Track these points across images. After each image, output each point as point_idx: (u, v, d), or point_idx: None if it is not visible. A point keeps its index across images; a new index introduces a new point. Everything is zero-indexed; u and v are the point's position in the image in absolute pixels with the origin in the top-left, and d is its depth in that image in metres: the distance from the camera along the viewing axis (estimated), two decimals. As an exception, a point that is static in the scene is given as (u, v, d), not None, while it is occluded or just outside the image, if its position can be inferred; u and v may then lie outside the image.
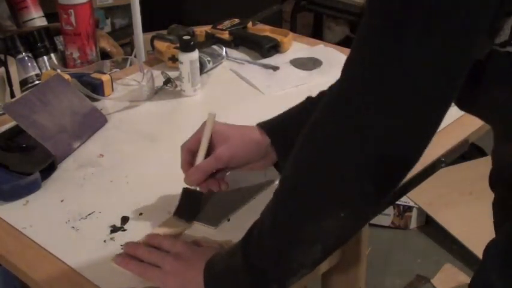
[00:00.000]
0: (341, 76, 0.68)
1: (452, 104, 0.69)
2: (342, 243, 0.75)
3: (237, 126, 0.97)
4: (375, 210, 0.71)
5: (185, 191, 0.96)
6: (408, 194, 2.25)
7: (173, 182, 1.04)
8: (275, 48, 1.49)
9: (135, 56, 1.47)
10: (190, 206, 0.96)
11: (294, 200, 0.72)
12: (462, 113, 1.21)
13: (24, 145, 1.10)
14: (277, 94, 1.32)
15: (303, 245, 0.72)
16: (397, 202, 2.21)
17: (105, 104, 1.29)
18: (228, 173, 0.98)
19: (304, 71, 1.40)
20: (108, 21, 2.34)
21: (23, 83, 1.55)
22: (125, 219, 0.96)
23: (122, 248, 0.89)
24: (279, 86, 1.35)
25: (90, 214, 0.97)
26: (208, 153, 0.94)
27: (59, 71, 1.35)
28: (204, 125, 0.96)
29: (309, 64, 1.43)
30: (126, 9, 2.12)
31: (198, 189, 0.95)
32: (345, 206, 0.69)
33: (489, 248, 0.75)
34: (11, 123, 1.17)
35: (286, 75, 1.39)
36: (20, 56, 1.57)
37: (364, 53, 0.65)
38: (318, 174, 0.69)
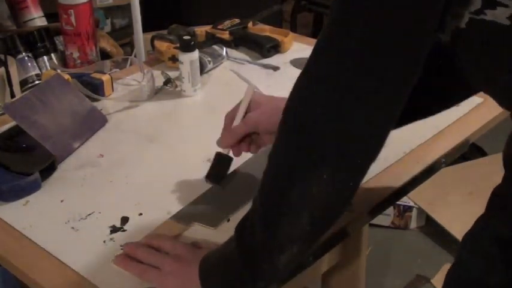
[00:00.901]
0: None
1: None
2: (328, 217, 0.74)
3: (273, 96, 1.04)
4: (355, 175, 0.72)
5: (217, 155, 1.02)
6: (408, 194, 2.25)
7: (173, 182, 1.05)
8: (275, 48, 1.49)
9: (135, 56, 1.47)
10: (219, 170, 1.02)
11: (277, 166, 0.74)
12: (462, 113, 1.22)
13: (24, 145, 1.10)
14: (277, 94, 1.32)
15: (290, 214, 0.72)
16: (397, 202, 2.21)
17: (105, 104, 1.29)
18: (262, 149, 1.02)
19: None
20: (108, 21, 2.34)
21: (23, 83, 1.54)
22: (124, 220, 0.96)
23: (121, 249, 0.89)
24: (279, 86, 1.34)
25: (90, 214, 0.97)
26: None
27: (59, 71, 1.35)
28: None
29: None
30: (126, 9, 2.12)
31: (230, 154, 1.01)
32: (324, 166, 0.69)
33: (465, 240, 0.79)
34: (11, 123, 1.17)
35: (287, 76, 1.39)
36: (20, 56, 1.56)
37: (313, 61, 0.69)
38: (294, 137, 0.71)
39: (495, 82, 0.72)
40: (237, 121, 1.00)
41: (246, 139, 1.01)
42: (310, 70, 0.71)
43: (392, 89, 0.68)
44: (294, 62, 1.44)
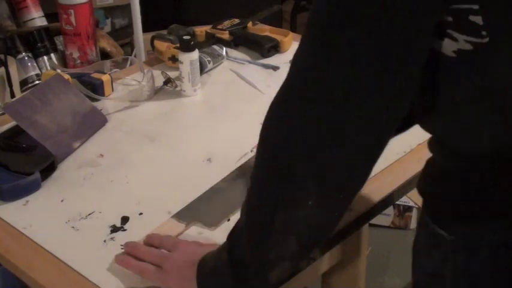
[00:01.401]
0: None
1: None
2: (317, 236, 0.74)
3: None
4: (341, 204, 0.72)
5: None
6: (408, 194, 2.25)
7: (173, 182, 1.05)
8: (275, 48, 1.49)
9: (135, 56, 1.47)
10: None
11: (261, 191, 0.73)
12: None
13: (24, 145, 1.10)
14: (266, 94, 1.32)
15: (276, 236, 0.72)
16: (397, 202, 2.21)
17: (105, 104, 1.29)
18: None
19: None
20: (108, 21, 2.34)
21: (23, 83, 1.55)
22: (125, 219, 0.96)
23: (122, 248, 0.89)
24: (278, 86, 1.34)
25: (90, 214, 0.97)
26: None
27: (59, 71, 1.35)
28: None
29: None
30: (126, 9, 2.12)
31: None
32: (309, 193, 0.69)
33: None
34: (11, 123, 1.17)
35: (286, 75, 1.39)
36: (20, 56, 1.57)
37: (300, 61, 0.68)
38: (277, 164, 0.69)
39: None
40: None
41: None
42: (290, 85, 0.70)
43: (384, 111, 0.65)
44: None
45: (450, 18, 0.62)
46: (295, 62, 0.68)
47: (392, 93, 0.64)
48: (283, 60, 1.45)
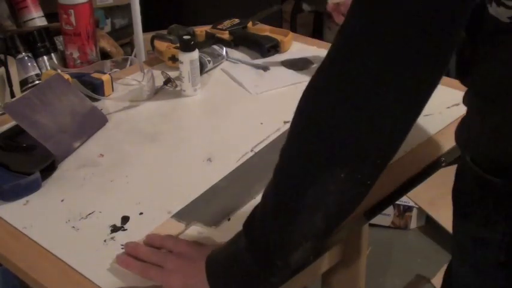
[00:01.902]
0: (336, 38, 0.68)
1: (450, 105, 0.71)
2: (343, 214, 0.74)
3: None
4: (374, 173, 0.71)
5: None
6: (408, 194, 2.25)
7: (173, 182, 1.05)
8: (275, 48, 1.49)
9: (135, 56, 1.47)
10: None
11: (291, 167, 0.72)
12: (461, 112, 1.22)
13: (24, 145, 1.10)
14: (263, 93, 1.32)
15: (305, 213, 0.71)
16: (397, 202, 2.21)
17: (105, 104, 1.29)
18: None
19: (294, 71, 1.41)
20: (108, 21, 2.34)
21: (23, 83, 1.55)
22: (125, 219, 0.96)
23: (122, 248, 0.89)
24: (267, 86, 1.35)
25: (90, 214, 0.97)
26: None
27: (59, 71, 1.35)
28: None
29: (299, 64, 1.43)
30: (126, 9, 2.12)
31: None
32: (344, 165, 0.68)
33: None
34: (11, 123, 1.17)
35: (276, 76, 1.39)
36: (20, 56, 1.57)
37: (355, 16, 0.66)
38: (314, 135, 0.69)
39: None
40: None
41: None
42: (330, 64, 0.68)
43: (422, 72, 0.65)
44: (285, 62, 1.44)
45: None
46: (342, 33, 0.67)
47: (439, 43, 0.64)
48: (277, 61, 1.45)
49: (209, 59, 1.41)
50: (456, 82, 0.85)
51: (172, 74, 1.35)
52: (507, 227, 0.75)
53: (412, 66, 0.64)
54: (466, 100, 0.79)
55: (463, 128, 0.81)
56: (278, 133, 1.16)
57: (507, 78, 0.71)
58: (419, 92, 0.67)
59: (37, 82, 1.54)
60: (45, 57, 1.60)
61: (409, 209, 2.30)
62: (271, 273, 0.76)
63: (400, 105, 0.66)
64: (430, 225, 2.29)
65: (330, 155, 0.69)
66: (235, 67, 1.44)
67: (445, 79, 0.87)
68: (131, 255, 0.87)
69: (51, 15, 1.78)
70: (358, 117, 0.66)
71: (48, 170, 1.06)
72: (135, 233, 0.93)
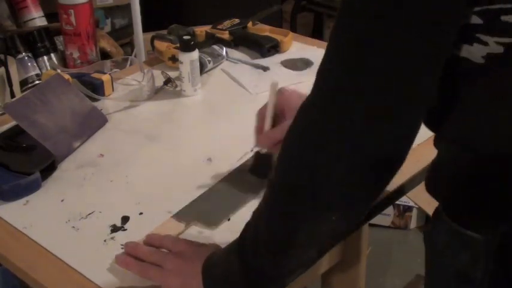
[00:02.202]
0: (315, 80, 0.66)
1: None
2: (336, 243, 0.76)
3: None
4: (365, 210, 0.72)
5: (257, 154, 1.04)
6: (408, 194, 2.25)
7: (173, 182, 1.05)
8: (275, 48, 1.49)
9: (135, 56, 1.47)
10: (262, 165, 1.02)
11: (283, 208, 0.71)
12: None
13: (24, 145, 1.10)
14: (262, 93, 1.32)
15: (299, 250, 0.72)
16: (397, 202, 2.21)
17: (105, 104, 1.29)
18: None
19: (293, 71, 1.41)
20: (108, 21, 2.34)
21: (23, 83, 1.55)
22: (125, 219, 0.96)
23: (122, 248, 0.89)
24: (267, 86, 1.34)
25: (90, 214, 0.97)
26: (279, 120, 0.98)
27: (59, 71, 1.35)
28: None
29: (298, 64, 1.43)
30: (126, 9, 2.12)
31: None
32: (335, 209, 0.68)
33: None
34: (11, 123, 1.17)
35: (275, 75, 1.39)
36: (20, 56, 1.57)
37: (339, 50, 0.64)
38: (303, 180, 0.68)
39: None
40: (267, 122, 0.98)
41: None
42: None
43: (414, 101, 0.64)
44: (284, 63, 1.44)
45: (480, 21, 0.61)
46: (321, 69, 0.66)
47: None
48: (277, 61, 1.45)
49: (209, 59, 1.41)
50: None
51: (172, 74, 1.35)
52: (483, 281, 0.74)
53: (390, 117, 0.63)
54: (436, 144, 0.78)
55: (434, 175, 0.80)
56: (278, 133, 1.16)
57: (476, 122, 0.69)
58: (403, 136, 0.66)
59: (37, 82, 1.54)
60: (45, 57, 1.60)
61: (409, 209, 2.30)
62: None
63: (385, 152, 0.65)
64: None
65: (320, 201, 0.68)
66: (235, 67, 1.44)
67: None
68: (131, 255, 0.87)
69: (51, 15, 1.78)
70: (344, 167, 0.65)
71: (48, 170, 1.06)
72: (135, 233, 0.93)
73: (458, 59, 0.64)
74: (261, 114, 1.00)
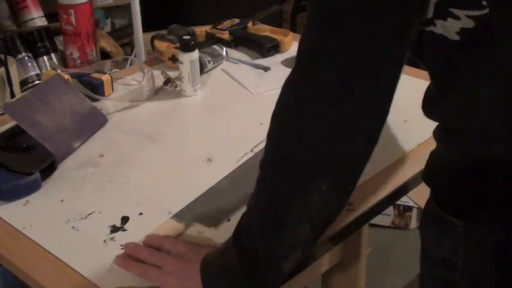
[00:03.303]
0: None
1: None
2: (328, 221, 0.75)
3: None
4: (354, 179, 0.72)
5: None
6: (408, 194, 2.24)
7: (173, 182, 1.05)
8: (275, 48, 1.49)
9: (135, 56, 1.47)
10: None
11: (273, 181, 0.73)
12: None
13: (24, 145, 1.10)
14: (269, 94, 1.32)
15: (291, 225, 0.72)
16: (397, 202, 2.21)
17: (105, 104, 1.29)
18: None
19: None
20: (108, 21, 2.34)
21: (23, 83, 1.55)
22: (125, 219, 0.96)
23: (122, 248, 0.89)
24: (268, 86, 1.35)
25: (90, 214, 0.97)
26: None
27: (59, 71, 1.35)
28: None
29: None
30: (126, 9, 2.12)
31: None
32: (323, 177, 0.69)
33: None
34: (11, 123, 1.17)
35: (277, 75, 1.39)
36: (20, 56, 1.57)
37: (313, 18, 0.67)
38: (288, 151, 0.70)
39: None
40: None
41: None
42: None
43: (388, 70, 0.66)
44: (285, 62, 1.44)
45: None
46: (300, 45, 0.69)
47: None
48: (278, 61, 1.45)
49: (209, 59, 1.41)
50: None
51: (172, 74, 1.35)
52: (465, 269, 0.76)
53: (367, 76, 0.66)
54: (434, 133, 0.80)
55: (429, 163, 0.82)
56: (278, 133, 1.16)
57: (460, 104, 0.71)
58: (380, 97, 0.67)
59: (37, 82, 1.54)
60: (45, 57, 1.60)
61: (409, 209, 2.30)
62: (264, 282, 0.77)
63: (366, 112, 0.67)
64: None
65: (310, 169, 0.69)
66: (235, 67, 1.44)
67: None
68: (130, 256, 0.87)
69: (51, 15, 1.78)
70: (328, 129, 0.67)
71: (48, 170, 1.06)
72: (135, 233, 0.93)
73: (435, 36, 0.66)
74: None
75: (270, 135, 0.73)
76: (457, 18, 0.64)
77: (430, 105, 0.76)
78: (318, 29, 0.66)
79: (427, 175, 0.82)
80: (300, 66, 0.69)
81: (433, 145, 0.81)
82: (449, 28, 0.65)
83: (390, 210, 2.29)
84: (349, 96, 0.66)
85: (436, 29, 0.67)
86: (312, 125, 0.68)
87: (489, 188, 0.73)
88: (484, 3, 0.62)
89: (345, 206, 0.75)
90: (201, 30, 1.54)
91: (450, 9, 0.64)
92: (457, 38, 0.65)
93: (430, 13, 0.66)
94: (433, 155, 0.81)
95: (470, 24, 0.64)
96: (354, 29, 0.63)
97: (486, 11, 0.62)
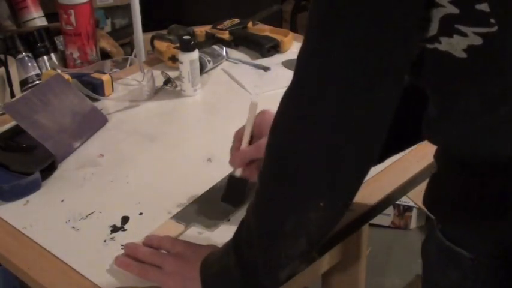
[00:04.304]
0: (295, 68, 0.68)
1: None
2: (326, 233, 0.74)
3: None
4: (352, 195, 0.72)
5: (230, 178, 0.97)
6: (408, 194, 2.25)
7: (173, 182, 1.05)
8: (275, 48, 1.49)
9: (135, 56, 1.47)
10: (236, 192, 0.97)
11: (271, 197, 0.73)
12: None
13: (24, 145, 1.10)
14: (269, 94, 1.32)
15: (288, 239, 0.72)
16: (397, 202, 2.21)
17: (105, 104, 1.29)
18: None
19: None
20: (108, 21, 2.34)
21: (23, 83, 1.55)
22: (125, 219, 0.96)
23: (122, 248, 0.89)
24: (267, 87, 1.35)
25: (90, 214, 0.97)
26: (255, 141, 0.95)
27: (59, 71, 1.35)
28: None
29: None
30: (126, 9, 2.12)
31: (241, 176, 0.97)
32: (321, 196, 0.69)
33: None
34: (11, 123, 1.17)
35: (276, 76, 1.39)
36: (20, 56, 1.57)
37: (310, 45, 0.66)
38: (287, 169, 0.69)
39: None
40: (244, 141, 0.95)
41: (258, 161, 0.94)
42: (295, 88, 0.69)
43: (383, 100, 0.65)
44: (286, 63, 1.44)
45: (457, 11, 0.60)
46: (298, 58, 0.68)
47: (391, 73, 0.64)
48: (278, 61, 1.45)
49: (209, 59, 1.41)
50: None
51: (172, 74, 1.35)
52: None
53: (363, 89, 0.64)
54: (435, 156, 0.77)
55: (431, 188, 0.79)
56: (278, 133, 1.16)
57: (465, 128, 0.68)
58: (379, 110, 0.66)
59: (37, 82, 1.54)
60: (45, 57, 1.60)
61: (409, 209, 2.30)
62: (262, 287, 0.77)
63: (361, 128, 0.66)
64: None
65: (306, 188, 0.69)
66: (235, 67, 1.44)
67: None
68: (130, 256, 0.87)
69: (51, 15, 1.78)
70: (324, 147, 0.67)
71: (48, 170, 1.06)
72: (135, 233, 0.93)
73: (440, 54, 0.63)
74: (238, 134, 0.97)
75: (269, 147, 0.72)
76: (464, 35, 0.61)
77: (430, 130, 0.72)
78: (315, 41, 0.65)
79: (430, 200, 0.78)
80: (298, 77, 0.68)
81: (431, 145, 0.80)
82: (455, 45, 0.62)
83: (390, 210, 2.29)
84: (347, 109, 0.65)
85: (440, 47, 0.63)
86: (310, 142, 0.67)
87: (500, 218, 0.69)
88: (493, 20, 0.59)
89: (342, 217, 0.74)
90: (201, 30, 1.54)
91: (456, 25, 0.61)
92: (464, 55, 0.62)
93: (434, 30, 0.62)
94: (435, 179, 0.78)
95: (478, 41, 0.61)
96: (356, 38, 0.62)
97: (495, 28, 0.59)
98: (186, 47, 1.30)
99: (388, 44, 0.62)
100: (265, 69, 1.42)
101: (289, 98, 0.69)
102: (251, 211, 0.76)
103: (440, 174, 0.76)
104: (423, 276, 0.83)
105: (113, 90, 1.33)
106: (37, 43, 1.59)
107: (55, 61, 1.60)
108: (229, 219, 0.95)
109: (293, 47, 1.52)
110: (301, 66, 0.67)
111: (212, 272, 0.79)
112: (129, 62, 1.51)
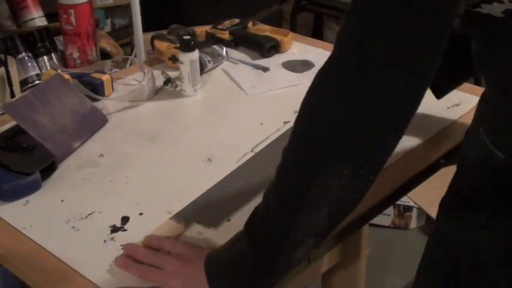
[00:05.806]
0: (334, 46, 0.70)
1: (450, 106, 0.73)
2: (345, 210, 0.75)
3: None
4: (376, 169, 0.73)
5: None
6: (408, 194, 2.25)
7: (173, 182, 1.05)
8: (275, 48, 1.49)
9: (135, 56, 1.47)
10: None
11: (295, 162, 0.73)
12: (462, 112, 1.22)
13: (24, 145, 1.10)
14: (270, 94, 1.32)
15: (308, 208, 0.72)
16: (397, 202, 2.21)
17: (105, 104, 1.29)
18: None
19: (293, 73, 1.40)
20: (108, 21, 2.34)
21: (23, 83, 1.55)
22: (125, 219, 0.96)
23: (122, 248, 0.89)
24: (265, 87, 1.35)
25: (90, 214, 0.97)
26: None
27: (59, 71, 1.35)
28: None
29: (299, 66, 1.42)
30: (126, 9, 2.12)
31: None
32: (348, 160, 0.70)
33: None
34: (11, 123, 1.17)
35: (275, 77, 1.39)
36: (20, 56, 1.57)
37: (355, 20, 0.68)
38: (317, 129, 0.70)
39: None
40: None
41: None
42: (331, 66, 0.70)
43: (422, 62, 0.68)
44: (286, 64, 1.44)
45: None
46: (340, 38, 0.70)
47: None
48: (278, 62, 1.45)
49: (209, 59, 1.41)
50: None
51: (172, 74, 1.35)
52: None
53: (404, 66, 0.67)
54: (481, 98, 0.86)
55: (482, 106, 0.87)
56: (278, 133, 1.16)
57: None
58: (415, 88, 0.69)
59: (37, 82, 1.54)
60: (45, 57, 1.60)
61: (409, 209, 2.30)
62: (274, 272, 0.77)
63: (400, 103, 0.68)
64: (430, 225, 2.29)
65: (333, 151, 0.70)
66: (235, 67, 1.44)
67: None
68: (130, 257, 0.87)
69: (51, 15, 1.78)
70: (360, 112, 0.68)
71: (48, 170, 1.06)
72: (135, 233, 0.93)
73: (482, 15, 0.74)
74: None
75: (298, 121, 0.73)
76: (501, 2, 0.71)
77: (478, 61, 0.81)
78: (358, 19, 0.67)
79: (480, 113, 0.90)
80: (337, 54, 0.69)
81: (431, 146, 0.80)
82: (494, 9, 0.72)
83: (390, 210, 2.30)
84: (385, 83, 0.67)
85: (482, 10, 0.73)
86: (343, 111, 0.68)
87: None
88: None
89: (363, 198, 0.75)
90: (201, 30, 1.55)
91: None
92: (501, 15, 0.72)
93: None
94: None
95: None
96: (399, 16, 0.65)
97: None
98: (186, 47, 1.30)
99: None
100: (264, 69, 1.42)
101: (325, 70, 0.70)
102: (271, 190, 0.76)
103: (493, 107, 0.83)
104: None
105: (113, 90, 1.34)
106: (37, 43, 1.59)
107: (55, 61, 1.60)
108: (229, 219, 0.95)
109: (293, 47, 1.52)
110: (342, 36, 0.69)
111: (219, 262, 0.79)
112: (129, 62, 1.51)
